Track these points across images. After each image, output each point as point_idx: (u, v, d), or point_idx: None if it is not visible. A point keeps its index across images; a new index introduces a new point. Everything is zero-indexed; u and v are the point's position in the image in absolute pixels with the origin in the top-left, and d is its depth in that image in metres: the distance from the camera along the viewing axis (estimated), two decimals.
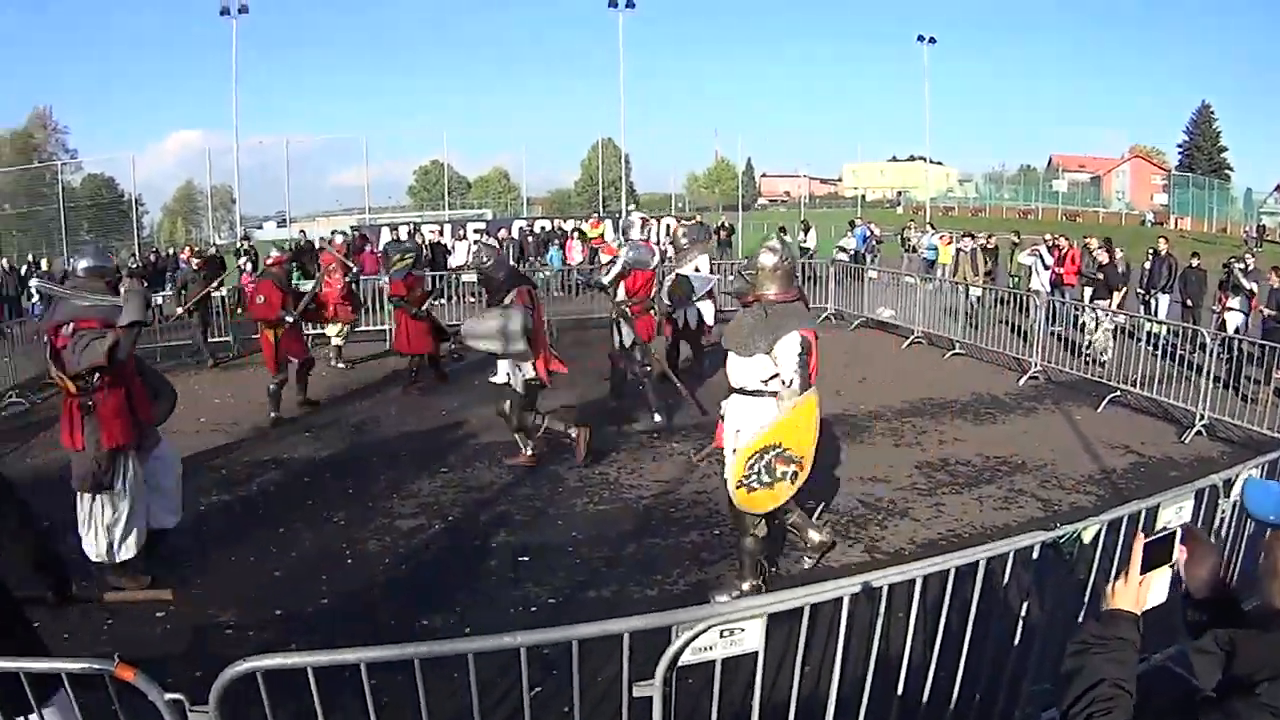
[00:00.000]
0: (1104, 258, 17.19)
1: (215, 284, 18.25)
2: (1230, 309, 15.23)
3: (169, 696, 3.09)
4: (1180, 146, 64.54)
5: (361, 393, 13.61)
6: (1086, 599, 4.66)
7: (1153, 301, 17.24)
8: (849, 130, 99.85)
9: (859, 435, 10.78)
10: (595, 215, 32.23)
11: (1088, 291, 17.93)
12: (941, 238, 24.87)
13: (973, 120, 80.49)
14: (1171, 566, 2.47)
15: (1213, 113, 63.42)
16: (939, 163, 62.50)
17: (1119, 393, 12.25)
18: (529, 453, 9.54)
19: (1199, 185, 59.70)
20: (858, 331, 18.24)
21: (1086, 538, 4.35)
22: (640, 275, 11.35)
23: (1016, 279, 21.78)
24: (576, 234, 26.77)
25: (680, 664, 3.41)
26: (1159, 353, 13.06)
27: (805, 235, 27.48)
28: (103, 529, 6.46)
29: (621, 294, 11.19)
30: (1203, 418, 10.84)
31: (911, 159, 65.33)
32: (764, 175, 69.03)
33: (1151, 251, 17.87)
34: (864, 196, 61.73)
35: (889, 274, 20.19)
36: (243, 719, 3.26)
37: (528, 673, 3.32)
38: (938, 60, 62.46)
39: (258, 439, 11.07)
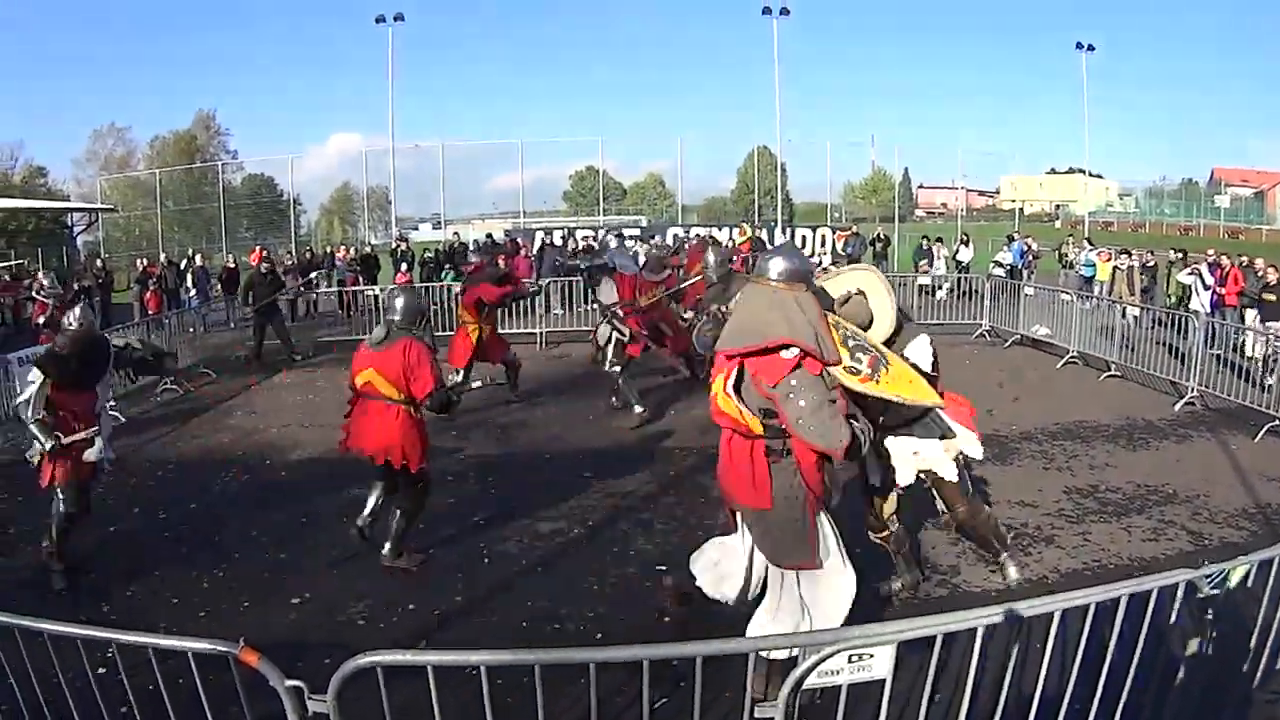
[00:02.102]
0: (1272, 277, 16.81)
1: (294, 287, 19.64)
2: None
3: (289, 683, 3.27)
4: None
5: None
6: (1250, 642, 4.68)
7: None
8: (1007, 142, 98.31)
9: (1008, 457, 10.77)
10: (743, 223, 32.28)
11: (1249, 314, 17.54)
12: (1100, 254, 24.38)
13: (1133, 132, 78.25)
14: None
15: None
16: (1099, 176, 61.02)
17: (1276, 420, 11.89)
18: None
19: None
20: (1012, 349, 18.13)
21: (1235, 578, 4.28)
22: (627, 280, 12.43)
23: (1174, 298, 21.29)
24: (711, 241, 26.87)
25: (806, 687, 3.50)
26: None
27: (965, 248, 27.31)
28: None
29: (614, 297, 12.26)
30: None
31: (1070, 171, 63.98)
32: (920, 186, 68.21)
33: None
34: (1021, 209, 60.50)
35: (1046, 290, 19.89)
36: (363, 712, 3.48)
37: (652, 684, 3.45)
38: (1097, 68, 60.91)
39: None
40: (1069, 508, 9.13)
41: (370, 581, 7.35)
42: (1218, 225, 56.17)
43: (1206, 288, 19.21)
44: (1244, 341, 15.12)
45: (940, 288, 22.75)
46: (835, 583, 5.01)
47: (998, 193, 69.00)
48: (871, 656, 3.46)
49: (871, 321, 5.92)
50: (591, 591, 7.17)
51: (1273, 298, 16.47)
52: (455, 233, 33.58)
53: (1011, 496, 9.39)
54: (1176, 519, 8.83)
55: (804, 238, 32.88)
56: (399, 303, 7.61)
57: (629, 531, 8.50)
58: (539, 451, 11.01)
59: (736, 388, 4.89)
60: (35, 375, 7.56)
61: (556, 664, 3.54)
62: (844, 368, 4.91)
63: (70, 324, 7.84)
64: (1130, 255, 22.55)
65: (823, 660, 3.41)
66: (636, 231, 31.88)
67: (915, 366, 5.67)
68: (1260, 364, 14.01)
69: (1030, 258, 27.12)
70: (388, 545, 7.66)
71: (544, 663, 3.43)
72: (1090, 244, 26.79)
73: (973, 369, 15.93)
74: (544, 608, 6.87)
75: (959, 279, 22.61)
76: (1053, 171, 67.09)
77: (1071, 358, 16.54)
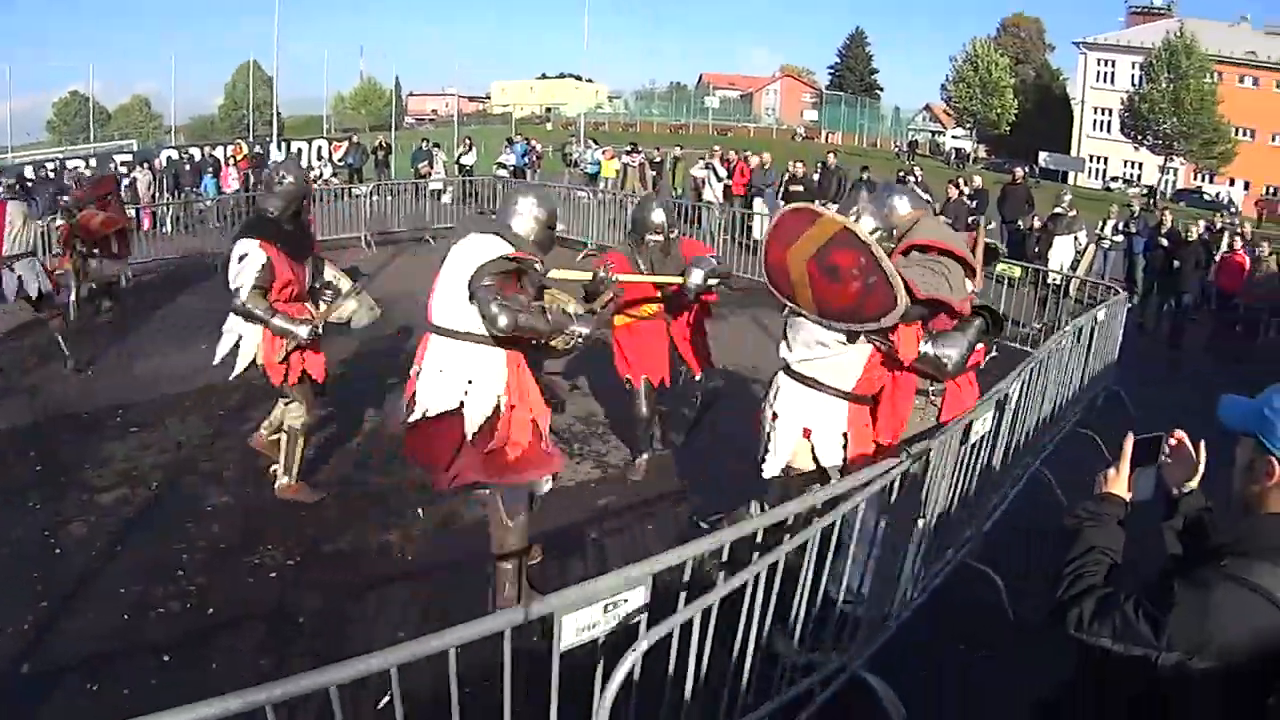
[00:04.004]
0: (800, 170, 18.22)
1: None
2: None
3: None
4: (831, 68, 70.58)
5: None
6: None
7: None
8: (497, 49, 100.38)
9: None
10: (238, 142, 30.52)
11: (756, 201, 18.82)
12: (605, 153, 25.42)
13: (622, 37, 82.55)
14: (1156, 466, 2.85)
15: (865, 37, 69.22)
16: (589, 80, 63.88)
17: None
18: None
19: (849, 103, 64.59)
20: None
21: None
22: None
23: (680, 190, 22.44)
24: (231, 162, 25.39)
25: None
26: None
27: (469, 153, 27.22)
28: None
29: None
30: None
31: (561, 76, 66.52)
32: (411, 94, 68.52)
33: (820, 164, 18.86)
34: (512, 114, 62.07)
35: (559, 188, 20.34)
36: None
37: None
38: None
39: None
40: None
41: None
42: (707, 125, 60.56)
43: (720, 180, 20.53)
44: (753, 226, 16.57)
45: (445, 191, 22.60)
46: None
47: (488, 98, 70.56)
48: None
49: None
50: (183, 561, 6.14)
51: (798, 189, 17.74)
52: None
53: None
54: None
55: (299, 150, 31.75)
56: None
57: (198, 484, 7.41)
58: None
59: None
60: (249, 248, 6.27)
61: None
62: None
63: (283, 180, 6.55)
64: (639, 152, 23.47)
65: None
66: (128, 157, 28.99)
67: None
68: None
69: (534, 157, 27.67)
70: None
71: None
72: (596, 143, 27.72)
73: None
74: (139, 592, 5.74)
75: (463, 182, 22.59)
76: (543, 76, 69.37)
77: (590, 250, 17.06)
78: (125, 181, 19.86)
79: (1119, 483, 2.79)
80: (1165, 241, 14.96)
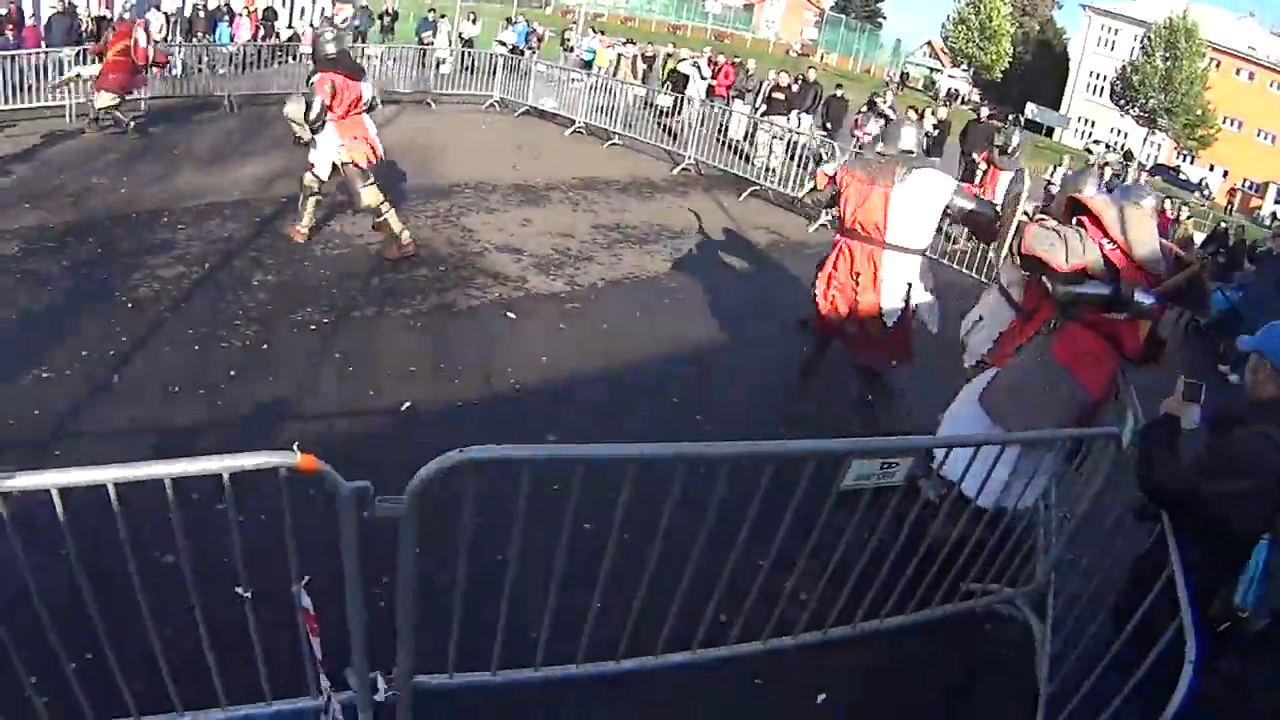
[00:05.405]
0: (785, 80, 19.66)
1: None
2: (867, 133, 17.92)
3: (354, 485, 2.86)
4: None
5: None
6: None
7: (797, 119, 19.78)
8: None
9: (541, 201, 12.64)
10: None
11: (736, 103, 20.43)
12: (601, 41, 26.72)
13: None
14: (1201, 406, 3.96)
15: None
16: None
17: (759, 187, 15.03)
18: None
19: (850, 27, 65.28)
20: (523, 119, 19.78)
21: None
22: None
23: (667, 84, 23.85)
24: (245, 12, 26.20)
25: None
26: (796, 161, 15.26)
27: (472, 25, 28.23)
28: None
29: None
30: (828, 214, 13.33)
31: None
32: None
33: (800, 78, 20.30)
34: None
35: (554, 67, 21.83)
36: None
37: None
38: None
39: None
40: (600, 238, 11.21)
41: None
42: (705, 28, 61.19)
43: (703, 78, 22.18)
44: (728, 124, 18.09)
45: (444, 61, 23.54)
46: None
47: None
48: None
49: None
50: (239, 314, 7.86)
51: (780, 97, 19.20)
52: None
53: (552, 229, 11.28)
54: (685, 247, 11.30)
55: (303, 9, 32.08)
56: None
57: (246, 266, 9.38)
58: None
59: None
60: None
61: (691, 456, 3.52)
62: None
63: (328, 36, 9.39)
64: (634, 44, 24.89)
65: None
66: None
67: None
68: (748, 143, 17.32)
69: (535, 40, 28.75)
70: None
71: (644, 458, 3.44)
72: (595, 31, 28.99)
73: (490, 134, 17.63)
74: (205, 334, 7.31)
75: (464, 53, 23.66)
76: None
77: (578, 128, 18.63)
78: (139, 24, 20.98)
79: (1171, 406, 3.95)
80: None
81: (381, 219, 9.42)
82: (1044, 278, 5.33)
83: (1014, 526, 4.74)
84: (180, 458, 2.74)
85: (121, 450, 5.41)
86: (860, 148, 14.39)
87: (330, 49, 9.23)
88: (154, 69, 15.23)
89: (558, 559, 3.27)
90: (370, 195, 9.36)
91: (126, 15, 21.34)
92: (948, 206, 6.89)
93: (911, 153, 7.19)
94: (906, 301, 7.06)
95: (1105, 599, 4.30)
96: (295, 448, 2.76)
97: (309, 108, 9.03)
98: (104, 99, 13.71)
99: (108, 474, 2.64)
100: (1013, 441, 4.59)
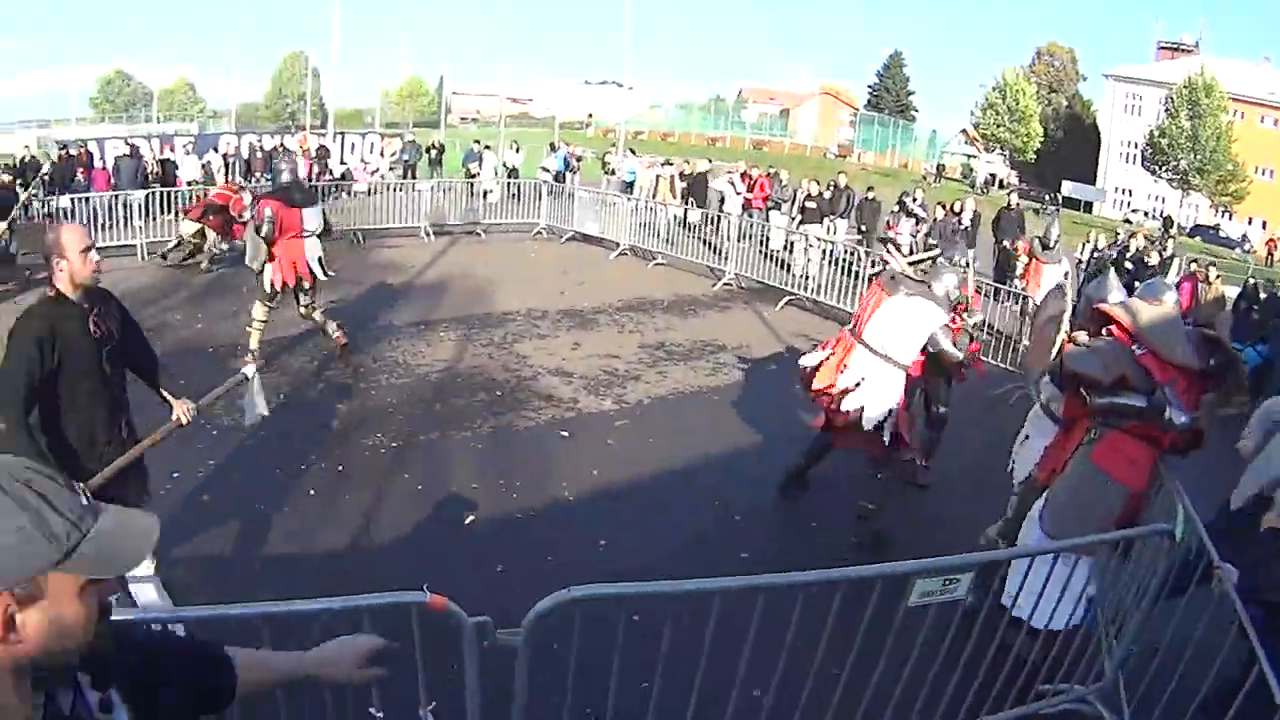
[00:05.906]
0: (814, 190, 20.38)
1: None
2: (899, 232, 18.71)
3: (476, 619, 3.26)
4: (870, 88, 71.94)
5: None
6: None
7: (831, 225, 20.50)
8: (543, 51, 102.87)
9: (589, 325, 13.40)
10: (302, 133, 32.71)
11: (773, 215, 21.28)
12: (643, 162, 27.86)
13: (668, 49, 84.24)
14: None
15: (903, 60, 71.52)
16: (630, 88, 65.56)
17: (794, 296, 15.78)
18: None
19: (883, 124, 66.51)
20: (569, 244, 20.71)
21: None
22: None
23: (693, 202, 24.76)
24: (300, 151, 27.27)
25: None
26: (835, 266, 15.97)
27: (516, 154, 29.58)
28: None
29: None
30: None
31: (604, 83, 68.53)
32: (455, 93, 70.12)
33: (832, 184, 21.11)
34: (555, 117, 63.93)
35: (595, 192, 22.83)
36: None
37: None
38: None
39: None
40: (646, 357, 11.95)
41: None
42: (744, 138, 62.60)
43: (738, 194, 23.09)
44: (768, 237, 18.97)
45: (490, 191, 24.47)
46: None
47: (531, 100, 72.59)
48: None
49: None
50: (320, 436, 8.22)
51: (813, 205, 20.00)
52: None
53: (599, 352, 12.00)
54: (727, 361, 12.02)
55: (353, 145, 33.72)
56: None
57: (318, 398, 10.08)
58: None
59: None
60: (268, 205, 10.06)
61: (765, 587, 3.85)
62: None
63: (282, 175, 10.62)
64: (671, 164, 25.87)
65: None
66: (190, 139, 30.67)
67: None
68: (787, 253, 18.13)
69: (575, 163, 29.88)
70: None
71: (730, 590, 3.79)
72: (633, 153, 30.08)
73: (538, 261, 18.54)
74: (290, 453, 8.19)
75: (508, 183, 24.72)
76: (587, 83, 71.47)
77: (622, 251, 19.48)
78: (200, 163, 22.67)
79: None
80: (1130, 266, 17.22)
81: (251, 332, 10.63)
82: (1083, 389, 5.64)
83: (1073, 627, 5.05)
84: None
85: (225, 574, 6.09)
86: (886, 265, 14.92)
87: (284, 178, 10.56)
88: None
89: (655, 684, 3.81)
90: (259, 311, 10.51)
91: (194, 159, 22.85)
92: (929, 338, 7.21)
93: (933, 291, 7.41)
94: (884, 413, 7.22)
95: (1189, 691, 4.47)
96: (425, 589, 3.26)
97: (258, 229, 10.06)
98: (188, 227, 15.52)
99: (260, 609, 3.22)
100: (1068, 549, 4.87)
